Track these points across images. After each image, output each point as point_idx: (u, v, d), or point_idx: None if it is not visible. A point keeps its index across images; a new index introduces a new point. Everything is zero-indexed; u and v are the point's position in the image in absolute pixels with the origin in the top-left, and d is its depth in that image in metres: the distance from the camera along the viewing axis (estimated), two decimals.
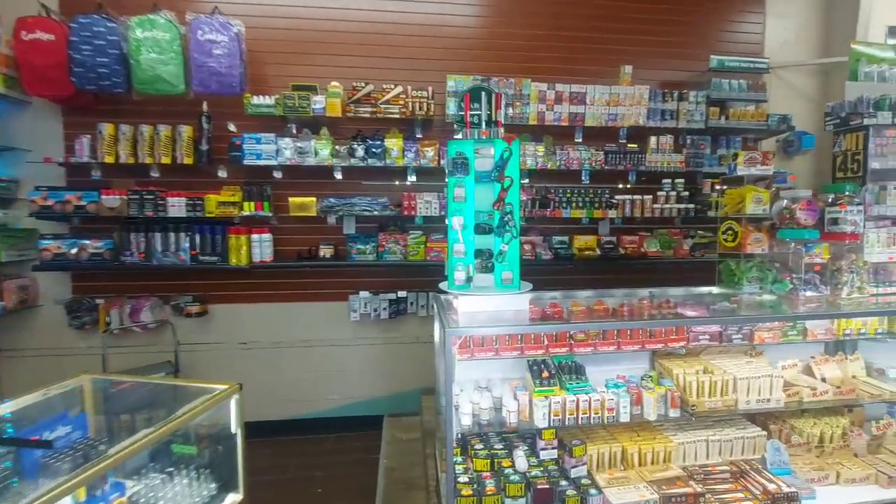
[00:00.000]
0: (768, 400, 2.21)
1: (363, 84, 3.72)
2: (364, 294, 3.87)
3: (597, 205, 3.98)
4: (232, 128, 3.75)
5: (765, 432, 2.30)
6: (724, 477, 2.11)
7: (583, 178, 4.08)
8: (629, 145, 4.05)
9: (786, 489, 1.98)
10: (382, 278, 4.01)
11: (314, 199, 3.71)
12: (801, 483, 2.08)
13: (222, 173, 3.78)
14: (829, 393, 2.28)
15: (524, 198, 3.82)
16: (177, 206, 3.57)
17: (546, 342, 2.04)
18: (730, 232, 2.31)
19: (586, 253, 4.06)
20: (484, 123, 2.02)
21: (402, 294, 3.93)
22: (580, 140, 4.10)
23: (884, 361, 2.57)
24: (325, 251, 3.78)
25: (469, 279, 2.09)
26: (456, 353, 1.84)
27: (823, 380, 2.39)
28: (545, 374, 2.14)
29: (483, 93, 2.00)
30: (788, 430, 2.33)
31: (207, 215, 3.59)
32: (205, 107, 3.60)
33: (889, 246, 2.17)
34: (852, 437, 2.27)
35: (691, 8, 4.33)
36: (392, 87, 3.74)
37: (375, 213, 3.68)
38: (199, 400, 1.48)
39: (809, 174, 4.55)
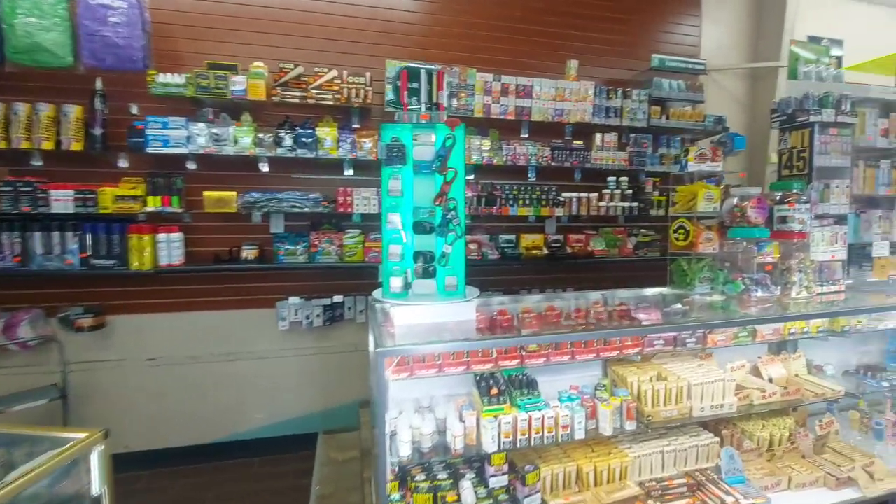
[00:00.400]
0: (721, 406, 2.13)
1: (292, 66, 3.33)
2: (294, 300, 3.48)
3: (544, 202, 3.85)
4: (134, 110, 3.22)
5: (718, 439, 2.22)
6: (682, 492, 1.99)
7: (529, 174, 3.94)
8: (575, 142, 3.96)
9: (744, 502, 1.89)
10: (315, 282, 3.63)
11: (234, 193, 3.27)
12: (756, 492, 2.00)
13: (123, 163, 3.24)
14: (778, 394, 2.23)
15: (469, 194, 3.60)
16: (62, 199, 3.00)
17: (495, 355, 1.81)
18: (681, 231, 2.21)
19: (534, 252, 3.92)
20: (424, 106, 1.75)
21: (337, 299, 3.57)
22: (526, 135, 3.95)
23: (821, 358, 2.60)
24: (249, 252, 3.35)
25: (407, 286, 1.82)
26: (390, 377, 1.56)
27: (770, 380, 2.36)
28: (494, 390, 1.91)
29: (423, 71, 1.73)
30: (740, 434, 2.27)
31: (102, 211, 3.05)
32: (98, 84, 3.06)
33: (832, 244, 2.17)
34: (799, 438, 2.25)
35: (634, 6, 4.33)
36: (325, 70, 3.38)
37: (307, 209, 3.30)
38: (36, 462, 1.09)
39: (750, 177, 4.71)
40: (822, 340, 2.42)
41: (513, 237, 3.94)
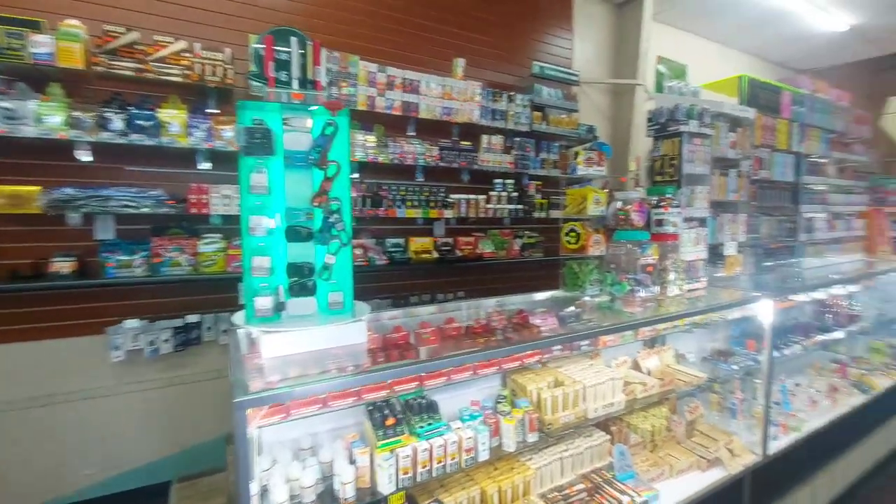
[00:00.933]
0: (612, 404, 2.16)
1: (123, 30, 2.66)
2: (132, 323, 2.79)
3: (433, 204, 3.69)
4: None
5: (609, 436, 2.26)
6: (582, 498, 1.96)
7: (417, 174, 3.76)
8: (463, 143, 3.89)
9: (638, 500, 1.92)
10: (162, 299, 2.97)
11: (37, 188, 2.49)
12: (645, 485, 2.06)
13: None
14: (656, 386, 2.35)
15: (354, 194, 3.28)
16: None
17: (390, 381, 1.55)
18: (573, 234, 2.21)
19: (423, 256, 3.75)
20: (296, 82, 1.42)
21: (192, 319, 2.96)
22: (413, 133, 3.76)
23: (683, 348, 2.85)
24: (63, 265, 2.58)
25: (279, 307, 1.47)
26: (256, 429, 1.21)
27: (649, 373, 2.49)
28: (390, 419, 1.65)
29: (294, 37, 1.40)
30: (626, 429, 2.34)
31: None
32: None
33: (696, 245, 2.37)
34: (674, 425, 2.41)
35: (517, 13, 4.42)
36: (171, 40, 2.77)
37: (145, 210, 2.66)
38: None
39: (614, 182, 5.14)
40: (686, 332, 2.64)
41: (401, 241, 3.71)
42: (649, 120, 2.46)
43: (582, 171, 2.19)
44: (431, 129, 3.80)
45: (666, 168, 2.41)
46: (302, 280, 1.48)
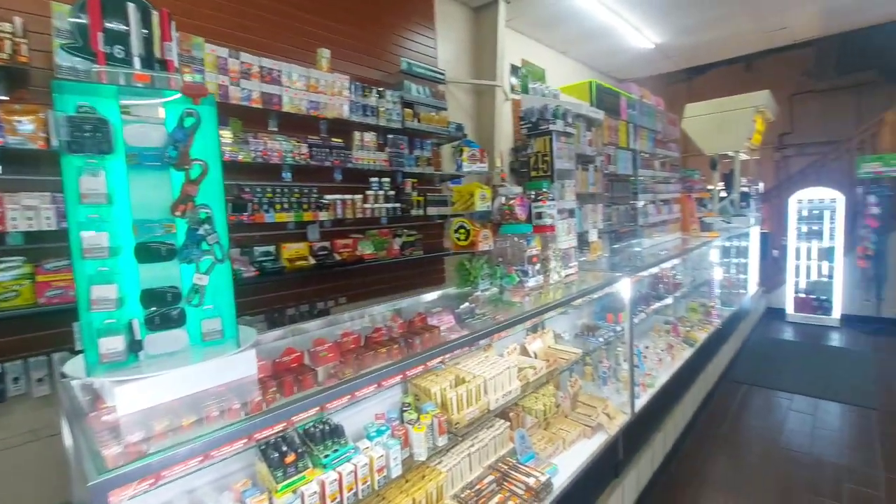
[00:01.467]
0: (510, 392, 2.24)
1: None
2: None
3: (305, 206, 3.40)
4: None
5: (508, 423, 2.34)
6: (493, 489, 2.00)
7: (285, 174, 3.42)
8: (334, 139, 3.66)
9: (542, 479, 2.03)
10: None
11: None
12: (545, 462, 2.19)
13: None
14: (544, 368, 2.52)
15: None
16: None
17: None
18: (462, 230, 2.23)
19: (299, 263, 3.44)
20: (138, 60, 1.12)
21: None
22: (276, 129, 3.41)
23: (560, 328, 3.12)
24: None
25: (135, 346, 1.16)
26: None
27: (536, 356, 2.65)
28: (290, 456, 1.45)
29: (132, 4, 1.10)
30: (522, 412, 2.46)
31: None
32: None
33: (568, 234, 2.60)
34: (561, 400, 2.61)
35: (383, 7, 4.31)
36: None
37: None
38: None
39: (479, 178, 5.38)
40: (562, 314, 2.89)
41: (272, 248, 3.35)
42: (521, 118, 2.61)
43: (467, 167, 2.21)
44: (298, 125, 3.49)
45: (540, 164, 2.59)
46: (164, 309, 1.19)
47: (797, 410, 4.22)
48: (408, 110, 4.16)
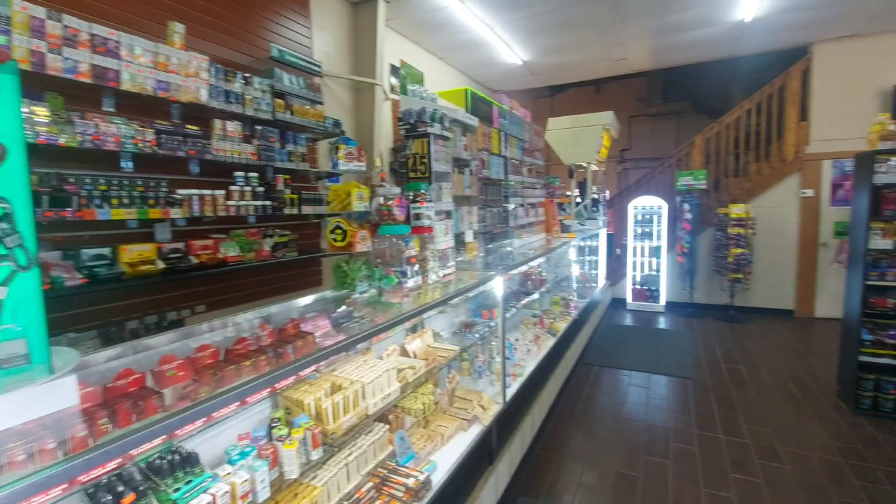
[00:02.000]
0: (389, 395, 2.22)
1: None
2: None
3: (152, 201, 2.96)
4: None
5: (388, 426, 2.32)
6: (372, 497, 1.95)
7: (124, 163, 2.92)
8: (189, 126, 3.23)
9: (421, 478, 2.04)
10: None
11: None
12: (424, 460, 2.21)
13: None
14: (423, 367, 2.55)
15: None
16: None
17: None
18: (338, 231, 2.14)
19: (143, 268, 2.97)
20: None
21: None
22: (113, 109, 2.89)
23: (438, 326, 3.20)
24: None
25: None
26: None
27: (415, 356, 2.68)
28: (128, 497, 1.23)
29: None
30: (402, 413, 2.46)
31: None
32: None
33: (446, 235, 2.66)
34: (440, 397, 2.67)
35: None
36: None
37: None
38: None
39: (358, 177, 5.25)
40: (440, 313, 2.97)
41: (107, 250, 2.84)
42: (400, 119, 2.61)
43: (343, 165, 2.13)
44: (142, 107, 3.01)
45: (418, 165, 2.61)
46: None
47: (635, 385, 4.95)
48: (279, 101, 3.87)
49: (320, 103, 4.39)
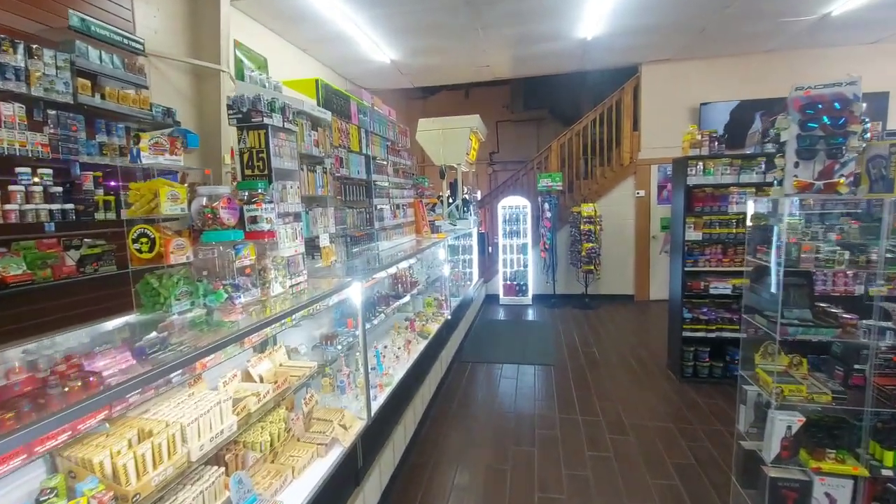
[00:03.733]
0: (222, 431, 1.89)
1: None
2: None
3: None
4: None
5: (223, 468, 1.97)
6: None
7: None
8: None
9: None
10: None
11: None
12: (269, 501, 1.92)
13: None
14: (271, 392, 2.25)
15: None
16: None
17: None
18: (144, 239, 1.73)
19: None
20: None
21: None
22: None
23: (295, 341, 2.89)
24: None
25: None
26: None
27: (262, 379, 2.35)
28: None
29: None
30: (243, 450, 2.12)
31: None
32: None
33: (294, 240, 2.37)
34: (293, 423, 2.38)
35: None
36: None
37: None
38: None
39: (200, 176, 4.58)
40: (295, 326, 2.67)
41: None
42: (230, 107, 2.25)
43: (148, 159, 1.73)
44: None
45: (255, 162, 2.28)
46: None
47: (506, 377, 5.16)
48: (84, 81, 3.16)
49: (145, 87, 3.71)
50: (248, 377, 2.32)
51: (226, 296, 1.89)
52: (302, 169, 2.59)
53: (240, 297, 1.90)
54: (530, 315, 8.02)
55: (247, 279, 1.99)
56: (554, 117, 12.01)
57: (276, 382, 2.31)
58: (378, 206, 4.04)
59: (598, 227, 8.05)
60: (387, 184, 4.44)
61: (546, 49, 7.18)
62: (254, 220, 2.07)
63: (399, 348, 3.65)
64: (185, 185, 1.90)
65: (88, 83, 3.22)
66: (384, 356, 3.44)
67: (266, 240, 2.11)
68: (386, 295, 3.94)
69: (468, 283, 7.73)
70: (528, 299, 8.68)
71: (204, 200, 1.88)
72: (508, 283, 8.76)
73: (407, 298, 4.37)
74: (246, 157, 2.27)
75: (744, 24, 6.29)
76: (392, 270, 3.98)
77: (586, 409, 4.34)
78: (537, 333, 6.77)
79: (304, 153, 2.68)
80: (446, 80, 9.15)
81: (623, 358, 5.67)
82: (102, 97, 3.33)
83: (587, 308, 8.16)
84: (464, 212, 7.41)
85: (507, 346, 6.15)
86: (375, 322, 3.47)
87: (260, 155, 2.24)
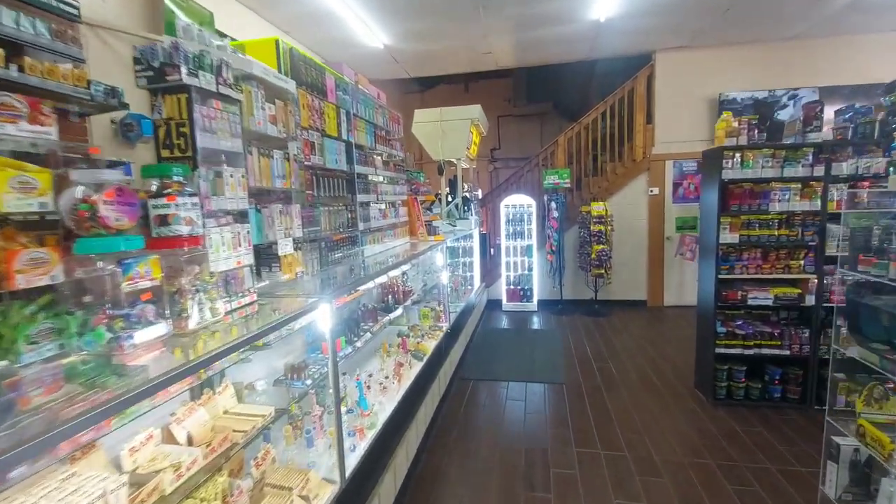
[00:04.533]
0: None
1: None
2: None
3: None
4: None
5: None
6: None
7: None
8: None
9: None
10: None
11: None
12: None
13: None
14: (201, 457, 1.63)
15: None
16: None
17: None
18: None
19: None
20: None
21: None
22: None
23: (251, 375, 2.27)
24: None
25: None
26: None
27: (190, 441, 1.72)
28: None
29: None
30: None
31: None
32: None
33: (236, 248, 1.75)
34: (238, 497, 1.75)
35: None
36: None
37: None
38: None
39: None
40: (245, 362, 2.05)
41: None
42: (137, 61, 1.63)
43: None
44: None
45: (175, 140, 1.66)
46: None
47: (512, 399, 4.53)
48: None
49: (81, 61, 3.07)
50: (169, 437, 1.69)
51: (108, 335, 1.26)
52: (250, 152, 1.95)
53: (130, 337, 1.28)
54: (536, 323, 7.39)
55: (150, 308, 1.36)
56: (558, 112, 11.39)
57: (210, 444, 1.68)
58: (364, 204, 3.42)
59: (609, 228, 7.42)
60: (376, 178, 3.82)
61: (554, 34, 6.55)
62: (164, 220, 1.44)
63: (387, 377, 3.02)
64: (56, 169, 1.28)
65: (1, 52, 2.58)
66: (368, 387, 2.81)
67: (185, 248, 1.48)
68: (373, 309, 3.31)
69: (469, 287, 7.10)
70: (532, 305, 8.05)
71: (78, 191, 1.26)
72: (512, 287, 8.13)
73: (399, 311, 3.74)
74: (162, 131, 1.65)
75: (773, 1, 5.67)
76: (382, 280, 3.36)
77: (608, 440, 3.72)
78: (545, 345, 6.14)
79: (256, 131, 2.04)
80: (445, 70, 8.51)
81: (643, 374, 5.04)
82: (21, 69, 2.69)
83: (597, 315, 7.54)
84: (464, 211, 6.78)
85: (512, 361, 5.53)
86: (359, 344, 2.85)
87: (181, 129, 1.62)
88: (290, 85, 2.27)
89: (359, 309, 3.10)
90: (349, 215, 3.07)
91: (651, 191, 7.88)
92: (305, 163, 2.49)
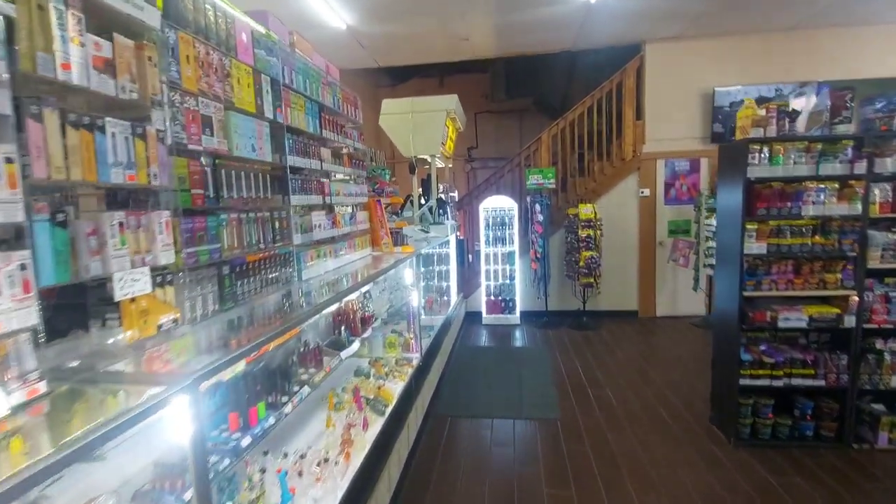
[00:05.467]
0: None
1: None
2: None
3: None
4: None
5: None
6: None
7: None
8: None
9: None
10: None
11: None
12: None
13: None
14: None
15: None
16: None
17: None
18: None
19: None
20: None
21: None
22: None
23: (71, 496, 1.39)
24: None
25: None
26: None
27: None
28: None
29: None
30: None
31: None
32: None
33: None
34: None
35: None
36: None
37: None
38: None
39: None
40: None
41: None
42: None
43: None
44: None
45: None
46: None
47: (498, 444, 3.75)
48: None
49: None
50: None
51: None
52: (38, 120, 1.06)
53: None
54: (520, 339, 6.65)
55: None
56: (539, 109, 10.72)
57: None
58: (303, 209, 2.56)
59: (598, 233, 6.75)
60: (323, 175, 2.96)
61: (538, 17, 5.83)
62: None
63: (330, 454, 2.15)
64: None
65: None
66: (300, 473, 1.95)
67: None
68: (316, 349, 2.46)
69: (446, 300, 6.30)
70: (515, 318, 7.31)
71: None
72: (493, 298, 7.37)
73: (356, 346, 2.90)
74: None
75: None
76: (330, 308, 2.51)
77: (620, 501, 2.97)
78: (532, 367, 5.39)
79: (61, 81, 1.15)
80: (417, 58, 7.70)
81: (648, 406, 4.34)
82: None
83: (586, 328, 6.85)
84: (439, 215, 5.97)
85: (495, 390, 4.74)
86: (288, 409, 1.99)
87: None
88: (150, 16, 1.40)
89: (293, 354, 2.25)
90: (278, 225, 2.22)
91: (642, 192, 7.27)
92: (189, 146, 1.62)
